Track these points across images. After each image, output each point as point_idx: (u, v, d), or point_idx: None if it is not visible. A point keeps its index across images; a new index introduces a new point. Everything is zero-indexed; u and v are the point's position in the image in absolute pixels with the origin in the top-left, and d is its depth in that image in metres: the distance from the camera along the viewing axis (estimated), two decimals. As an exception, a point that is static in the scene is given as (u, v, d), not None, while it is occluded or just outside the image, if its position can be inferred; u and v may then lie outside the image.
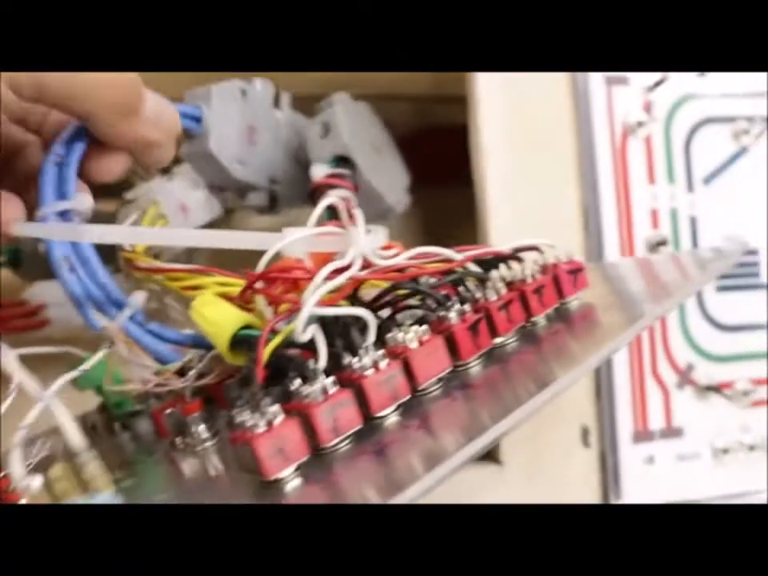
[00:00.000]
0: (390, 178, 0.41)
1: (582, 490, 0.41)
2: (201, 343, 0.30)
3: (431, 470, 0.23)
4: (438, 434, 0.26)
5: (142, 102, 0.29)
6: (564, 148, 0.42)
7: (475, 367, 0.28)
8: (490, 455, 0.41)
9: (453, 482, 0.42)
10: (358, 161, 0.37)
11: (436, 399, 0.27)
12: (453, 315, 0.27)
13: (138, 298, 0.29)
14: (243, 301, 0.27)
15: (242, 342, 0.28)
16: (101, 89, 0.28)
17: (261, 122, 0.40)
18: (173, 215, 0.38)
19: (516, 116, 0.41)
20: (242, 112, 0.39)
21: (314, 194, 0.35)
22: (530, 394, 0.26)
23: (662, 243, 0.42)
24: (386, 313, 0.29)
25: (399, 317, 0.29)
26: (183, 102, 0.38)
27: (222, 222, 0.43)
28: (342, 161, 0.38)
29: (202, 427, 0.30)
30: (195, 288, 0.32)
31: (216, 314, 0.28)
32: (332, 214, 0.34)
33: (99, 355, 0.25)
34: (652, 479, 0.42)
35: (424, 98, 0.47)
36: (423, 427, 0.26)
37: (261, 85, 0.41)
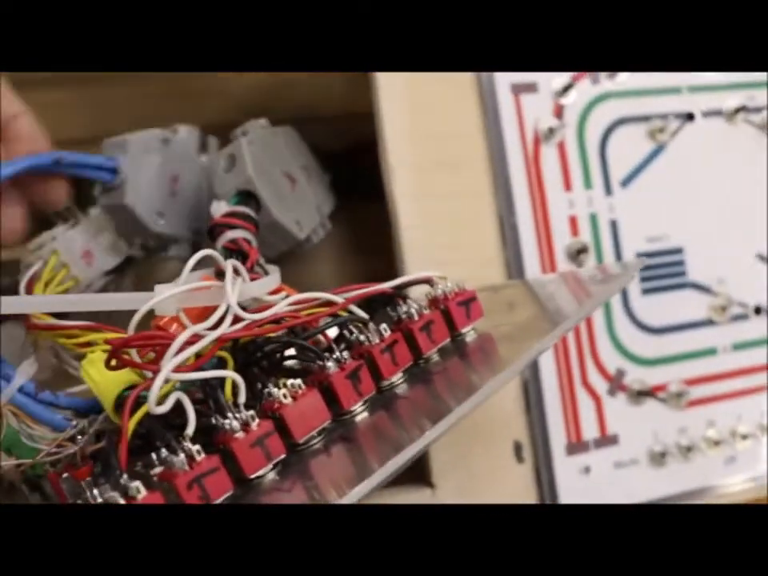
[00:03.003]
0: (306, 208, 0.39)
1: (519, 506, 0.41)
2: (96, 407, 0.30)
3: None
4: (320, 485, 0.25)
5: None
6: (476, 161, 0.41)
7: (361, 414, 0.28)
8: (423, 478, 0.40)
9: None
10: (264, 196, 0.36)
11: (317, 453, 0.26)
12: (331, 364, 0.27)
13: (28, 369, 0.29)
14: (110, 368, 0.26)
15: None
16: None
17: (184, 171, 0.39)
18: (75, 263, 0.37)
19: (424, 131, 0.40)
20: (162, 162, 0.38)
21: (211, 233, 0.34)
22: (421, 430, 0.26)
23: (582, 251, 0.41)
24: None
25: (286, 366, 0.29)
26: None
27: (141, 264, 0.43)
28: (247, 195, 0.36)
29: (95, 491, 0.29)
30: (88, 345, 0.31)
31: (102, 375, 0.28)
32: (229, 253, 0.33)
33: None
34: (589, 489, 0.41)
35: (341, 117, 0.47)
36: (300, 482, 0.25)
37: (185, 132, 0.40)
